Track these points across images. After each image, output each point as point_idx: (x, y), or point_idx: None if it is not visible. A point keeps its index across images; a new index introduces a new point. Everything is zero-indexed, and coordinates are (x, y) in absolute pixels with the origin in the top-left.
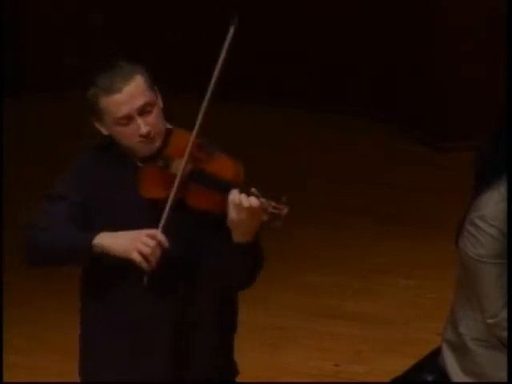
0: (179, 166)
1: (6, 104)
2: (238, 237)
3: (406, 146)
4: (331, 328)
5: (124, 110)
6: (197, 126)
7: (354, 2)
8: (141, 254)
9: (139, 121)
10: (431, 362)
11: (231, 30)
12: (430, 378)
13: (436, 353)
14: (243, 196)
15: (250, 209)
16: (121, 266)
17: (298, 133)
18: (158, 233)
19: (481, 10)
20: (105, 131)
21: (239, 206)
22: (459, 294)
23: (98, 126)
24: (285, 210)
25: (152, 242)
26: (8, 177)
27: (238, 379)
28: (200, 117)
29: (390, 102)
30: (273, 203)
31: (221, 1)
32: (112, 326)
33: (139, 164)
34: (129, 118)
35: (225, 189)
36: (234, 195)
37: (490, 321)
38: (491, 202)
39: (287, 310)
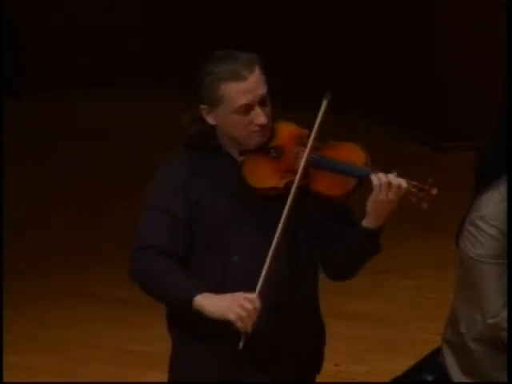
0: (296, 154)
1: (6, 104)
2: (371, 221)
3: (406, 146)
4: (331, 328)
5: (247, 99)
6: (319, 116)
7: (353, 2)
8: (238, 316)
9: (259, 110)
10: (431, 362)
11: (324, 103)
12: (430, 378)
13: (436, 353)
14: (392, 176)
15: (398, 188)
16: None
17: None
18: (255, 298)
19: (481, 9)
20: (213, 121)
21: (388, 186)
22: (459, 294)
23: (205, 115)
24: (433, 191)
25: (250, 306)
26: (8, 177)
27: None
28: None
29: (390, 102)
30: (420, 185)
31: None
32: None
33: (238, 157)
34: (249, 107)
35: (363, 175)
36: (380, 175)
37: (490, 321)
38: (491, 202)
39: None
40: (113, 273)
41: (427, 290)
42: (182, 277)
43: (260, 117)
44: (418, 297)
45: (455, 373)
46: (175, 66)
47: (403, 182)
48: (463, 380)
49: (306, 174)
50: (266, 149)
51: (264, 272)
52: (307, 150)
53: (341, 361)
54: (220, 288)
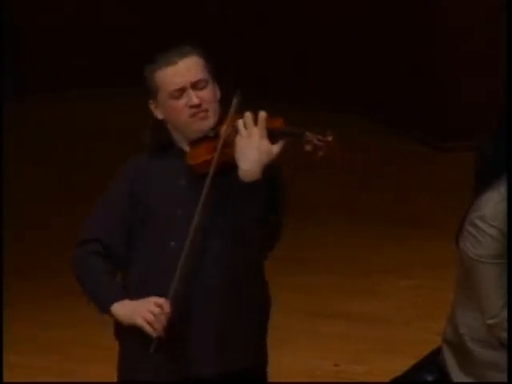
0: (225, 130)
1: (6, 104)
2: (241, 169)
3: (406, 146)
4: (331, 328)
5: (178, 81)
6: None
7: (353, 2)
8: (146, 321)
9: (191, 92)
10: (431, 362)
11: (234, 102)
12: (430, 378)
13: (436, 353)
14: (247, 117)
15: (251, 122)
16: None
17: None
18: (164, 302)
19: (481, 9)
20: (159, 115)
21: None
22: (459, 294)
23: (154, 110)
24: (329, 138)
25: (157, 310)
26: (8, 177)
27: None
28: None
29: (390, 102)
30: (318, 136)
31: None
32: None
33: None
34: (181, 90)
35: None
36: (240, 120)
37: (489, 321)
38: (491, 202)
39: (287, 310)
40: None
41: (427, 290)
42: (106, 281)
43: (192, 98)
44: (417, 297)
45: (455, 373)
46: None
47: (262, 113)
48: (463, 380)
49: (226, 144)
50: (207, 132)
51: (177, 273)
52: (228, 119)
53: (341, 361)
54: (158, 275)
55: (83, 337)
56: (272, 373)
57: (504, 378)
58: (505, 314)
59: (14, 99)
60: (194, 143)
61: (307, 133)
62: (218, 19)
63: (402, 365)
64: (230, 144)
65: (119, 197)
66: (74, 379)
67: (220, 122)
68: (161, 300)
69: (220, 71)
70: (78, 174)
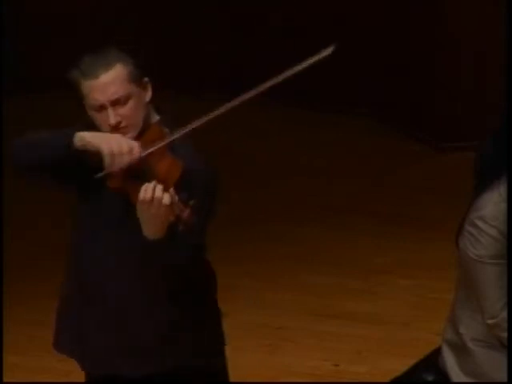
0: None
1: (6, 104)
2: (144, 228)
3: (406, 146)
4: (331, 328)
5: (96, 97)
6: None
7: (354, 3)
8: (110, 150)
9: (110, 111)
10: (431, 362)
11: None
12: (430, 378)
13: (436, 353)
14: (149, 188)
15: (153, 202)
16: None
17: (297, 132)
18: (136, 145)
19: (481, 10)
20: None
21: (150, 200)
22: (459, 294)
23: (86, 107)
24: (185, 213)
25: (126, 146)
26: (8, 177)
27: (237, 379)
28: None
29: (390, 102)
30: (181, 206)
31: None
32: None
33: None
34: (101, 106)
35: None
36: (149, 190)
37: (489, 321)
38: (491, 203)
39: (287, 310)
40: None
41: (427, 289)
42: (58, 131)
43: (109, 117)
44: (417, 297)
45: (455, 373)
46: (175, 65)
47: (166, 198)
48: (463, 380)
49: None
50: None
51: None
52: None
53: (341, 361)
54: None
55: None
56: (272, 373)
57: (504, 377)
58: (505, 314)
59: (14, 99)
60: None
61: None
62: (217, 19)
63: (402, 365)
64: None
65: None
66: (73, 379)
67: (145, 128)
68: (134, 142)
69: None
70: None
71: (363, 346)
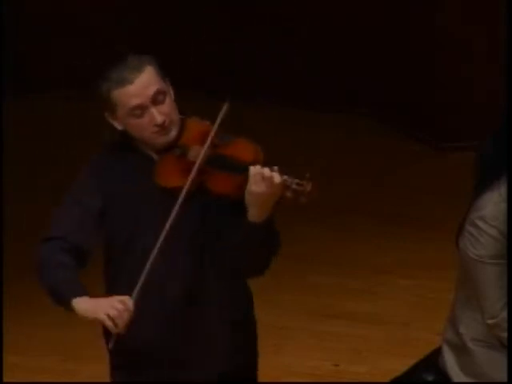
0: (197, 153)
1: (6, 104)
2: (254, 214)
3: (406, 146)
4: (331, 328)
5: (137, 100)
6: (220, 116)
7: (354, 4)
8: (108, 316)
9: (153, 110)
10: (431, 362)
11: (225, 106)
12: (430, 378)
13: (436, 353)
14: (266, 168)
15: (271, 180)
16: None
17: (297, 132)
18: (128, 300)
19: (481, 10)
20: (119, 126)
21: (261, 176)
22: (459, 294)
23: (112, 121)
24: (308, 186)
25: (121, 307)
26: (8, 177)
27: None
28: (222, 111)
29: (390, 102)
30: (296, 180)
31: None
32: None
33: (155, 157)
34: (142, 108)
35: (244, 170)
36: (256, 167)
37: (489, 321)
38: (491, 203)
39: (287, 310)
40: None
41: (427, 290)
42: (69, 276)
43: (155, 117)
44: (417, 297)
45: (455, 373)
46: (175, 65)
47: (276, 176)
48: (463, 380)
49: (202, 172)
50: (174, 147)
51: (143, 276)
52: (204, 148)
53: (340, 361)
54: (132, 285)
55: (83, 337)
56: (272, 373)
57: (504, 377)
58: (505, 314)
59: (14, 99)
60: (162, 156)
61: (285, 177)
62: (217, 19)
63: (402, 365)
64: (205, 171)
65: (86, 195)
66: (74, 379)
67: (181, 129)
68: (125, 297)
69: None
70: (77, 174)
71: (363, 346)
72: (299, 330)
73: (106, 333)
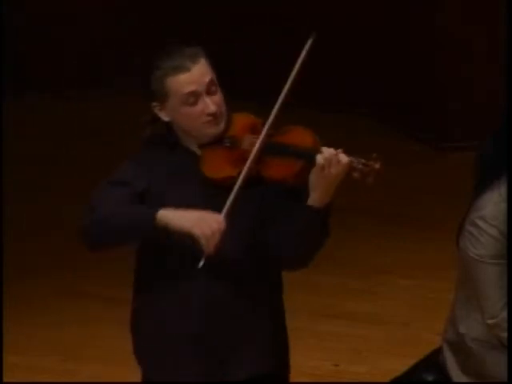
0: (250, 142)
1: (6, 104)
2: (315, 198)
3: (406, 146)
4: (331, 328)
5: (192, 87)
6: (276, 106)
7: (354, 4)
8: (203, 233)
9: (207, 99)
10: (431, 362)
11: (309, 42)
12: (430, 378)
13: (436, 353)
14: (333, 150)
15: (339, 163)
16: (176, 250)
17: None
18: (222, 219)
19: (481, 10)
20: (166, 117)
21: (330, 161)
22: (459, 294)
23: (159, 112)
24: (377, 165)
25: (215, 226)
26: (8, 177)
27: None
28: (279, 102)
29: (390, 102)
30: (363, 160)
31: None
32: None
33: (197, 151)
34: (196, 96)
35: (309, 156)
36: (324, 151)
37: (489, 321)
38: (491, 203)
39: (287, 310)
40: (113, 273)
41: (427, 290)
42: (138, 205)
43: (209, 106)
44: (417, 297)
45: (455, 373)
46: None
47: (344, 157)
48: (463, 380)
49: (257, 160)
50: (221, 139)
51: (232, 195)
52: (261, 137)
53: (340, 361)
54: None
55: (83, 337)
56: None
57: (504, 377)
58: (505, 314)
59: (14, 99)
60: (207, 149)
61: (352, 158)
62: (216, 19)
63: (402, 365)
64: (261, 159)
65: (131, 176)
66: (74, 379)
67: (228, 124)
68: (219, 216)
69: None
70: (78, 174)
71: (363, 346)
72: (299, 329)
73: (133, 326)
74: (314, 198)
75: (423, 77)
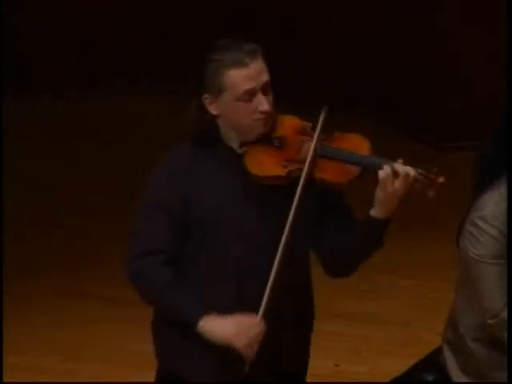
0: (300, 144)
1: (6, 104)
2: (381, 211)
3: (406, 146)
4: (331, 328)
5: (251, 84)
6: (323, 114)
7: (354, 4)
8: (243, 346)
9: (262, 98)
10: (431, 362)
11: (321, 118)
12: (430, 378)
13: (436, 353)
14: (399, 165)
15: (405, 178)
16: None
17: None
18: (259, 322)
19: (481, 10)
20: (215, 110)
21: (395, 176)
22: (459, 294)
23: (209, 105)
24: (440, 179)
25: (254, 332)
26: (8, 177)
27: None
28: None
29: (390, 102)
30: (426, 174)
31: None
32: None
33: (238, 150)
34: (252, 94)
35: (369, 162)
36: (389, 167)
37: (490, 321)
38: (491, 203)
39: None
40: (113, 273)
41: (427, 290)
42: (185, 296)
43: (263, 103)
44: (417, 297)
45: (455, 373)
46: (175, 65)
47: (410, 171)
48: (463, 380)
49: (311, 164)
50: (269, 139)
51: (267, 291)
52: (315, 139)
53: (341, 361)
54: (222, 276)
55: (83, 337)
56: None
57: (504, 377)
58: (505, 314)
59: (14, 99)
60: (254, 146)
61: (419, 170)
62: (216, 19)
63: (402, 365)
64: (314, 163)
65: (171, 199)
66: (74, 379)
67: (274, 125)
68: (255, 320)
69: None
70: (77, 174)
71: (363, 346)
72: None
73: (159, 355)
74: (378, 211)
75: (423, 77)
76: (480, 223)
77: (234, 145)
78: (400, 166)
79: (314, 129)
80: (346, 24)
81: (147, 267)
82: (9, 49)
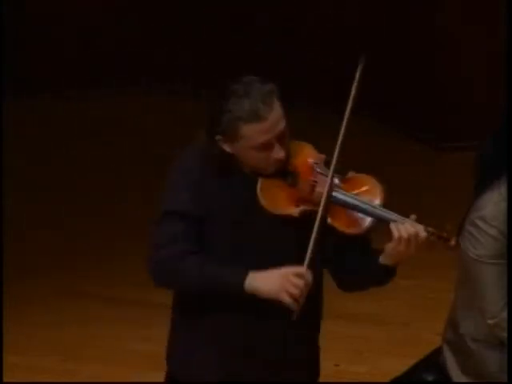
0: (313, 183)
1: (6, 104)
2: (389, 261)
3: (406, 146)
4: (331, 328)
5: (267, 137)
6: (336, 151)
7: (354, 4)
8: (290, 297)
9: (277, 147)
10: (431, 362)
11: (360, 68)
12: (430, 378)
13: (436, 353)
14: (411, 228)
15: (417, 240)
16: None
17: (297, 132)
18: (305, 272)
19: (481, 10)
20: (229, 149)
21: (408, 239)
22: (459, 294)
23: (222, 144)
24: (452, 242)
25: (301, 283)
26: (8, 177)
27: None
28: (339, 141)
29: (390, 102)
30: (436, 231)
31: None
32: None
33: (253, 177)
34: (268, 145)
35: (381, 217)
36: (402, 228)
37: (490, 321)
38: (491, 203)
39: None
40: (113, 273)
41: (427, 290)
42: (221, 265)
43: (279, 153)
44: (417, 297)
45: (455, 373)
46: (175, 65)
47: (421, 232)
48: (463, 380)
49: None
50: (283, 173)
51: (312, 242)
52: (328, 184)
53: (341, 361)
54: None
55: (83, 337)
56: None
57: (504, 377)
58: (505, 314)
59: (14, 99)
60: (267, 180)
61: (430, 229)
62: (215, 19)
63: (402, 365)
64: (329, 208)
65: (190, 203)
66: (74, 379)
67: (289, 152)
68: (302, 270)
69: None
70: (77, 174)
71: (364, 346)
72: None
73: (169, 355)
74: (388, 261)
75: (423, 77)
76: (480, 223)
77: (249, 172)
78: (410, 227)
79: (327, 163)
80: (346, 24)
81: (175, 253)
82: (9, 49)
